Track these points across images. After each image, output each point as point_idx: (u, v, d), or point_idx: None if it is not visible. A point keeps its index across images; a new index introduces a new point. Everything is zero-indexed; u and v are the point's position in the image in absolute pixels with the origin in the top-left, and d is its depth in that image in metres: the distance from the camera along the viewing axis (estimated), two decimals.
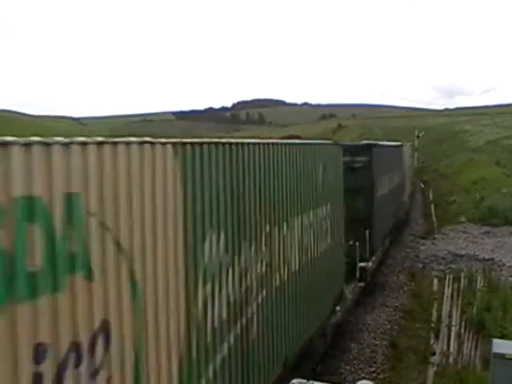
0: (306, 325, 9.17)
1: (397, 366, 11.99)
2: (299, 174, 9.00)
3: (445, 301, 16.19)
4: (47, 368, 3.65)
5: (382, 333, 13.94)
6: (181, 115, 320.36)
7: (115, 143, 4.37)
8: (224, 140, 6.34)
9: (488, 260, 21.11)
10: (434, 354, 12.80)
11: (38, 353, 3.59)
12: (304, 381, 6.31)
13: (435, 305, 16.04)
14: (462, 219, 30.43)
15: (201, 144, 5.68)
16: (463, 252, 22.53)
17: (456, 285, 17.44)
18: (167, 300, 5.05)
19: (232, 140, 6.52)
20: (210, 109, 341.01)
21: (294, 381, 6.35)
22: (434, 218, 32.05)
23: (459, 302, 15.85)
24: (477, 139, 79.63)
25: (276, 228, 7.85)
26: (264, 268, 7.33)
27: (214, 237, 5.94)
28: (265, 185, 7.39)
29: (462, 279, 17.94)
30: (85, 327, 3.99)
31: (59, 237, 3.76)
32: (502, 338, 10.77)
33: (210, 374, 5.88)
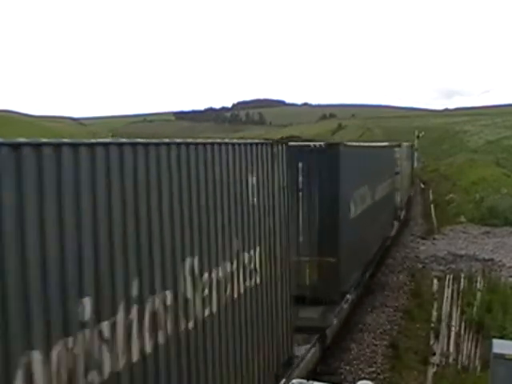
0: None
1: (397, 366, 11.99)
2: None
3: (445, 301, 16.19)
4: None
5: (381, 333, 13.94)
6: (181, 115, 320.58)
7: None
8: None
9: (488, 260, 21.11)
10: (434, 354, 12.80)
11: None
12: (304, 381, 6.32)
13: (435, 305, 16.04)
14: (462, 219, 30.45)
15: None
16: (463, 252, 22.53)
17: (456, 285, 17.44)
18: None
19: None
20: (210, 109, 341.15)
21: (294, 381, 6.36)
22: (433, 218, 32.06)
23: (459, 302, 15.85)
24: (477, 139, 79.75)
25: None
26: None
27: None
28: None
29: (462, 279, 17.94)
30: None
31: None
32: (502, 338, 10.77)
33: None
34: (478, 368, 11.70)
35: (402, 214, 27.67)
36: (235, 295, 6.71)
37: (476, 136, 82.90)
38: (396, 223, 24.18)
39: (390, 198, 21.51)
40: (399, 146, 25.97)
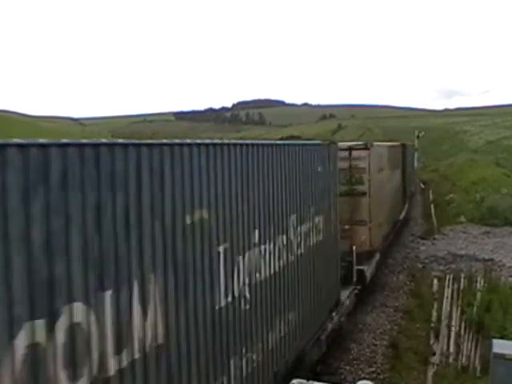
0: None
1: (397, 366, 11.98)
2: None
3: (445, 301, 16.18)
4: None
5: (381, 333, 13.93)
6: (181, 115, 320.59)
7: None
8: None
9: (488, 260, 21.08)
10: (434, 354, 12.79)
11: None
12: (304, 381, 6.30)
13: (435, 305, 16.02)
14: (462, 219, 30.42)
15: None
16: (463, 252, 22.51)
17: (456, 285, 17.43)
18: None
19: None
20: (210, 109, 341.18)
21: (294, 381, 6.34)
22: (433, 218, 32.03)
23: (459, 302, 15.84)
24: (477, 139, 79.79)
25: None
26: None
27: None
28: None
29: (462, 279, 17.93)
30: None
31: None
32: (502, 338, 10.77)
33: None
34: (478, 368, 11.69)
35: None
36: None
37: (476, 136, 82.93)
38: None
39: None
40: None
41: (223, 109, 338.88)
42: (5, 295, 3.58)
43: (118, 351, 4.58)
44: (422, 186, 49.17)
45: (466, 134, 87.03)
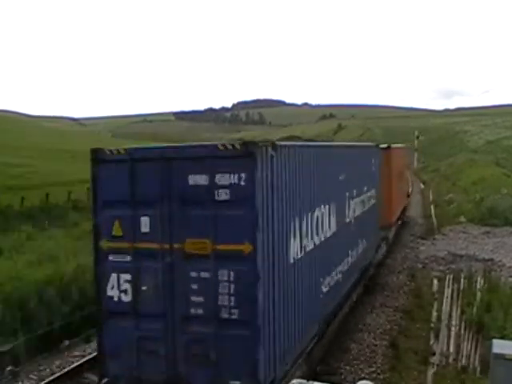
0: None
1: (396, 366, 11.98)
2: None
3: (445, 301, 16.19)
4: None
5: (381, 333, 13.92)
6: (181, 115, 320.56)
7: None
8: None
9: (488, 260, 21.10)
10: (434, 354, 12.80)
11: None
12: (304, 381, 6.31)
13: (435, 305, 16.03)
14: (462, 219, 30.43)
15: None
16: (463, 252, 22.52)
17: (456, 285, 17.44)
18: None
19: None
20: (210, 109, 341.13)
21: (294, 381, 6.35)
22: (433, 219, 32.05)
23: (459, 302, 15.85)
24: (477, 139, 79.82)
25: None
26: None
27: None
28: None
29: (462, 279, 17.94)
30: None
31: None
32: (502, 338, 10.76)
33: None
34: (478, 368, 11.70)
35: None
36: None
37: (476, 136, 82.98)
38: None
39: None
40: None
41: (223, 109, 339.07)
42: None
43: None
44: (422, 186, 49.21)
45: (466, 134, 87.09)
